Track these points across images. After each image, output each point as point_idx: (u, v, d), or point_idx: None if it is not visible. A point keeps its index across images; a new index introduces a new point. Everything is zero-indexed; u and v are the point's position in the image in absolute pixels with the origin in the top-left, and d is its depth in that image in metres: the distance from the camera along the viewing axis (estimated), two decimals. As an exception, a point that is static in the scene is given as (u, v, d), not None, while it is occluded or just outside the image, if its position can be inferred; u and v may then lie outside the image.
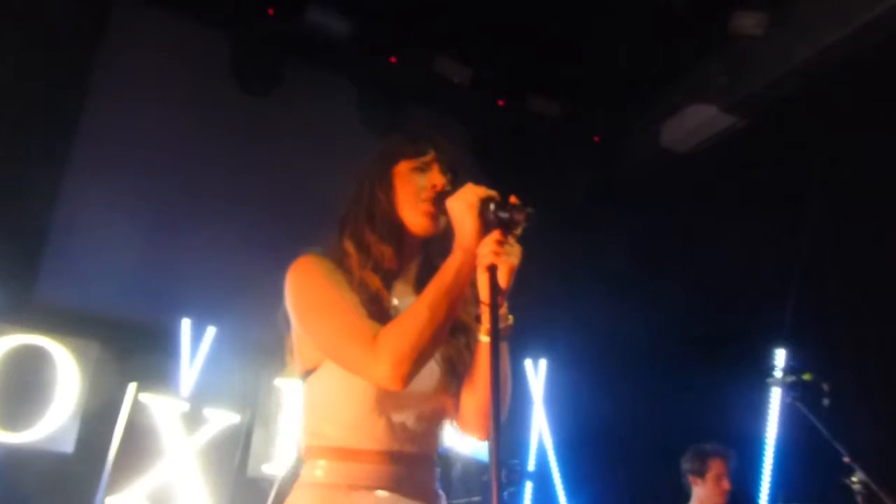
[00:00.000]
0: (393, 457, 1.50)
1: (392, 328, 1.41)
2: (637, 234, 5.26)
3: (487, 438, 1.60)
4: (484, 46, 5.37)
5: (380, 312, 1.50)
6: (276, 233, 4.71)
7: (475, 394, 1.58)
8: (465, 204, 1.42)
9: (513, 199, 1.41)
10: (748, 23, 4.83)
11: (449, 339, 1.58)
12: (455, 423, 1.63)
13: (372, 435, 1.50)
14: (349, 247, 1.59)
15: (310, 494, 1.49)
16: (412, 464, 1.53)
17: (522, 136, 5.86)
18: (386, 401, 1.49)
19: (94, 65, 4.69)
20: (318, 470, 1.50)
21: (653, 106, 5.62)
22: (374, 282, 1.54)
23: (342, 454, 1.49)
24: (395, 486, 1.49)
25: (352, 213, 1.64)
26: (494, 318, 1.38)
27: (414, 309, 1.42)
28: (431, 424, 1.58)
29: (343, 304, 1.48)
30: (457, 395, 1.60)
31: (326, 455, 1.50)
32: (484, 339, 1.50)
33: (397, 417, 1.51)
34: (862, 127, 4.48)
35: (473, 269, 1.43)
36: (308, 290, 1.53)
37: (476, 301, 1.52)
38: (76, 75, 4.61)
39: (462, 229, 1.43)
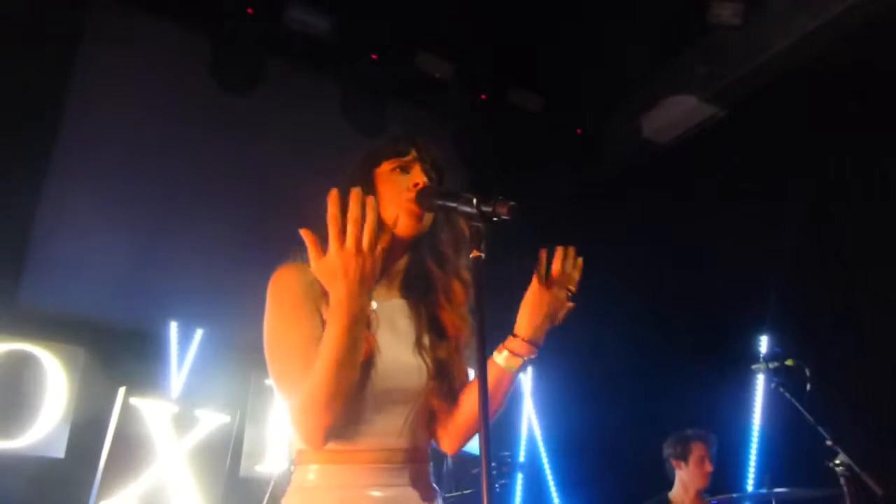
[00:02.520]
0: (385, 454, 1.51)
1: (307, 397, 1.39)
2: (620, 226, 5.29)
3: (456, 451, 1.65)
4: (465, 41, 5.38)
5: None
6: (260, 233, 4.70)
7: (464, 411, 1.60)
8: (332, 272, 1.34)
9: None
10: (726, 13, 4.86)
11: (439, 341, 1.60)
12: (433, 428, 1.63)
13: (362, 435, 1.50)
14: None
15: (303, 497, 1.50)
16: (405, 459, 1.54)
17: (505, 130, 5.88)
18: (374, 400, 1.50)
19: (73, 67, 4.66)
20: (311, 474, 1.51)
21: (634, 98, 5.65)
22: None
23: (334, 457, 1.50)
24: (389, 482, 1.50)
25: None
26: (481, 310, 1.38)
27: (316, 382, 1.38)
28: (420, 420, 1.58)
29: (293, 343, 1.47)
30: (445, 399, 1.60)
31: (318, 458, 1.51)
32: (500, 361, 1.56)
33: (387, 415, 1.52)
34: (841, 115, 4.53)
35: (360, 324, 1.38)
36: (270, 317, 1.53)
37: (465, 297, 1.59)
38: (55, 78, 4.57)
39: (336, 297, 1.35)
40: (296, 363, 1.44)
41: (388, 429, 1.53)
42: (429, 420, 1.62)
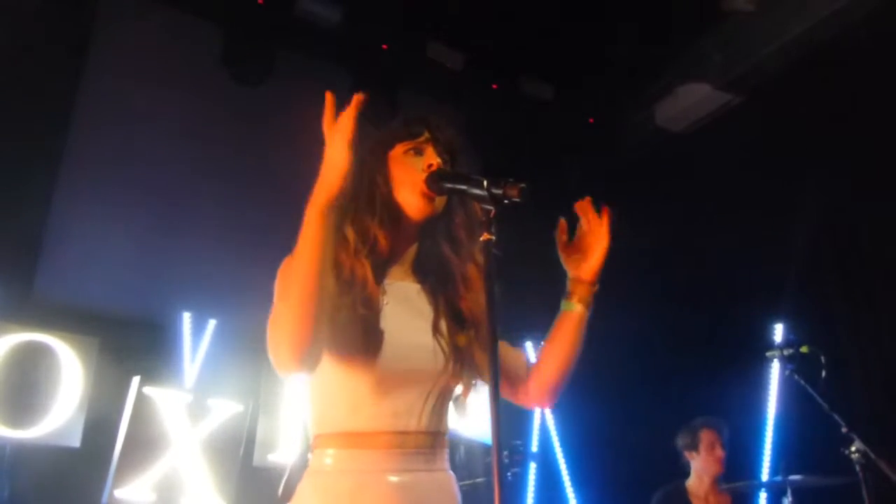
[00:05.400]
0: (401, 438, 1.50)
1: (275, 318, 1.42)
2: (634, 214, 5.24)
3: (550, 405, 1.74)
4: (477, 31, 5.36)
5: (366, 299, 1.50)
6: (272, 223, 4.71)
7: (552, 361, 1.68)
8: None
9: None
10: (740, -1, 4.82)
11: (457, 328, 1.59)
12: (514, 389, 1.71)
13: (378, 417, 1.49)
14: (349, 233, 1.57)
15: (319, 482, 1.49)
16: (422, 444, 1.52)
17: (517, 120, 5.85)
18: (389, 381, 1.49)
19: (84, 57, 4.68)
20: (328, 458, 1.50)
21: (647, 86, 5.61)
22: (362, 270, 1.53)
23: (350, 440, 1.49)
24: (406, 467, 1.49)
25: (351, 200, 1.61)
26: (491, 303, 1.37)
27: (293, 290, 1.41)
28: (437, 404, 1.56)
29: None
30: (468, 383, 1.59)
31: (334, 443, 1.50)
32: (574, 307, 1.69)
33: (402, 397, 1.51)
34: (857, 100, 4.47)
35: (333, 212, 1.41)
36: (275, 302, 1.52)
37: (477, 282, 1.59)
38: (67, 69, 4.59)
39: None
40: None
41: (404, 411, 1.51)
42: (448, 403, 1.60)
